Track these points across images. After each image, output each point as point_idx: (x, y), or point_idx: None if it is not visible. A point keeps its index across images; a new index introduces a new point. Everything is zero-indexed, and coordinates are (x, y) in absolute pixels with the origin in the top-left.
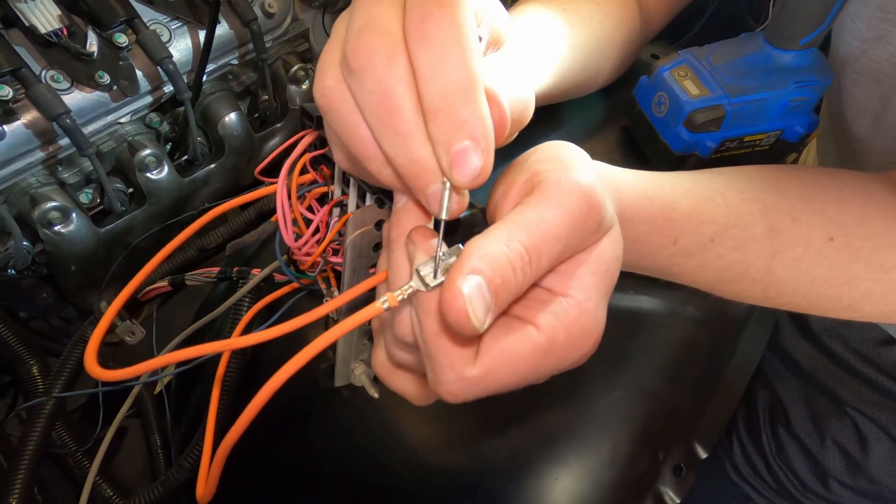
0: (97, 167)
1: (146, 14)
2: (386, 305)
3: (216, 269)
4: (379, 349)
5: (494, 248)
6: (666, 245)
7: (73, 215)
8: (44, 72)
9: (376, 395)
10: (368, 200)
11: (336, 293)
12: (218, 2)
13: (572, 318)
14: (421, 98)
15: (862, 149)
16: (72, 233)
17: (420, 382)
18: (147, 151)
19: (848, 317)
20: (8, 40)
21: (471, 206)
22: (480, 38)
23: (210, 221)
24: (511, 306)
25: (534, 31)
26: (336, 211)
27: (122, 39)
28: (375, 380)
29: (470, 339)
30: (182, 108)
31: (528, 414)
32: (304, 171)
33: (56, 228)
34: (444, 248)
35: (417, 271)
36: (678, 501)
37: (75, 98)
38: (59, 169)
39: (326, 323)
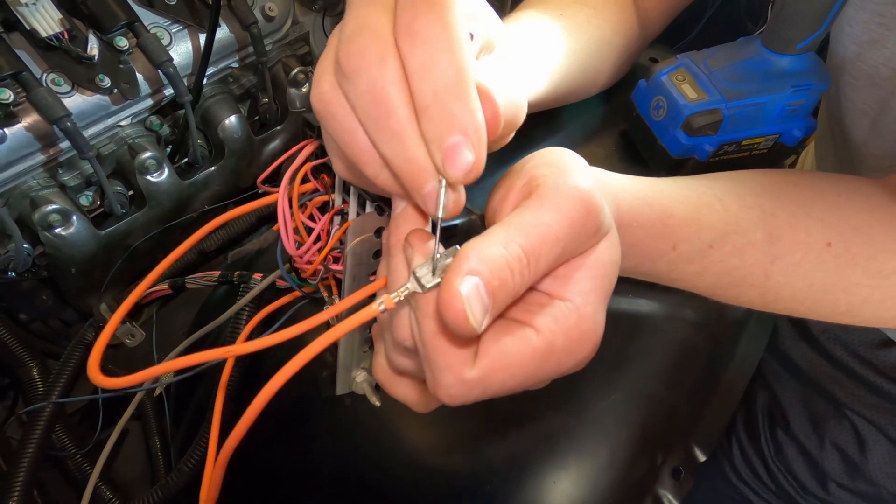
0: (97, 170)
1: (147, 17)
2: (382, 307)
3: (217, 273)
4: (379, 355)
5: (492, 250)
6: (665, 250)
7: (74, 218)
8: (45, 75)
9: (378, 404)
10: (368, 208)
11: (337, 300)
12: (218, 5)
13: (571, 322)
14: (413, 97)
15: (860, 152)
16: (72, 235)
17: (420, 389)
18: (147, 154)
19: (846, 322)
20: (9, 44)
21: (469, 212)
22: (472, 37)
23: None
24: (509, 309)
25: (531, 36)
26: (337, 219)
27: (122, 43)
28: (377, 388)
29: (468, 340)
30: (182, 111)
31: (527, 417)
32: (305, 181)
33: (56, 231)
34: (442, 249)
35: (414, 272)
36: None
37: (76, 101)
38: (60, 172)
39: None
